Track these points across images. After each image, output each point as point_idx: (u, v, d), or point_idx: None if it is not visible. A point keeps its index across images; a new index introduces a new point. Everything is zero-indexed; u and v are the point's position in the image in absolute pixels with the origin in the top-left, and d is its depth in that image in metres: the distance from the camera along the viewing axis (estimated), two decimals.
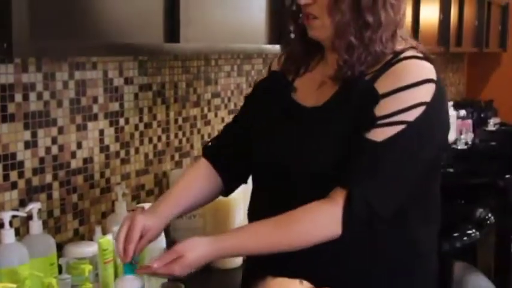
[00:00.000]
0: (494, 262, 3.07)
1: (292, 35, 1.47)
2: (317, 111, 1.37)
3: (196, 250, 1.29)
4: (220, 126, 2.40)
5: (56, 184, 1.75)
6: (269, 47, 2.00)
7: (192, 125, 2.28)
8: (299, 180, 1.35)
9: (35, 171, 1.69)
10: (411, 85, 1.28)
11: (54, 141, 1.74)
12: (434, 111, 1.31)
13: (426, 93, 1.29)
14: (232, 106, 2.49)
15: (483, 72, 5.50)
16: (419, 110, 1.28)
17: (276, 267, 1.32)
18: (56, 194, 1.76)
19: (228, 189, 1.56)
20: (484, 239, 2.62)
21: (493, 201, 3.04)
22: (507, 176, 3.26)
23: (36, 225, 1.54)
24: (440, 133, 1.37)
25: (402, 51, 1.35)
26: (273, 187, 1.41)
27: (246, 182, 1.58)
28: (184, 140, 2.25)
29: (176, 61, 2.18)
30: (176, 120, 2.21)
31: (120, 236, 1.35)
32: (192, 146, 2.29)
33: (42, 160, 1.71)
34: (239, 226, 1.44)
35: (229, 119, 2.47)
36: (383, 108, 1.28)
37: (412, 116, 1.27)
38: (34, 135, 1.68)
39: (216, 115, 2.41)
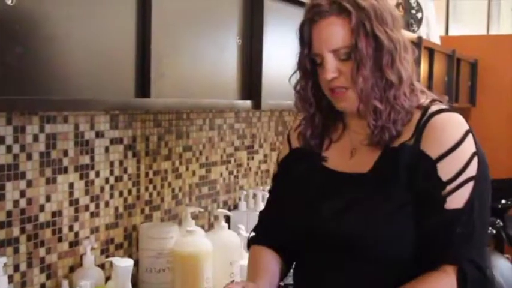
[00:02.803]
0: None
1: (309, 114, 1.48)
2: (370, 177, 1.38)
3: None
4: (192, 180, 2.42)
5: (23, 238, 1.74)
6: (240, 102, 2.02)
7: (163, 179, 2.28)
8: (369, 248, 1.36)
9: (1, 225, 1.67)
10: (460, 141, 1.33)
11: (22, 194, 1.73)
12: (481, 155, 1.36)
13: (471, 143, 1.35)
14: (203, 159, 2.50)
15: None
16: (475, 162, 1.33)
17: None
18: (23, 248, 1.74)
19: (288, 267, 1.58)
20: None
21: None
22: None
23: (1, 281, 1.53)
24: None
25: (428, 106, 1.39)
26: (333, 254, 1.41)
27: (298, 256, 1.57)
28: (155, 193, 2.24)
29: (148, 115, 2.19)
30: (147, 174, 2.21)
31: None
32: (162, 200, 2.29)
33: (9, 213, 1.70)
34: None
35: (200, 172, 2.48)
36: (446, 171, 1.32)
37: (473, 169, 1.32)
38: (2, 188, 1.67)
39: (187, 168, 2.41)
